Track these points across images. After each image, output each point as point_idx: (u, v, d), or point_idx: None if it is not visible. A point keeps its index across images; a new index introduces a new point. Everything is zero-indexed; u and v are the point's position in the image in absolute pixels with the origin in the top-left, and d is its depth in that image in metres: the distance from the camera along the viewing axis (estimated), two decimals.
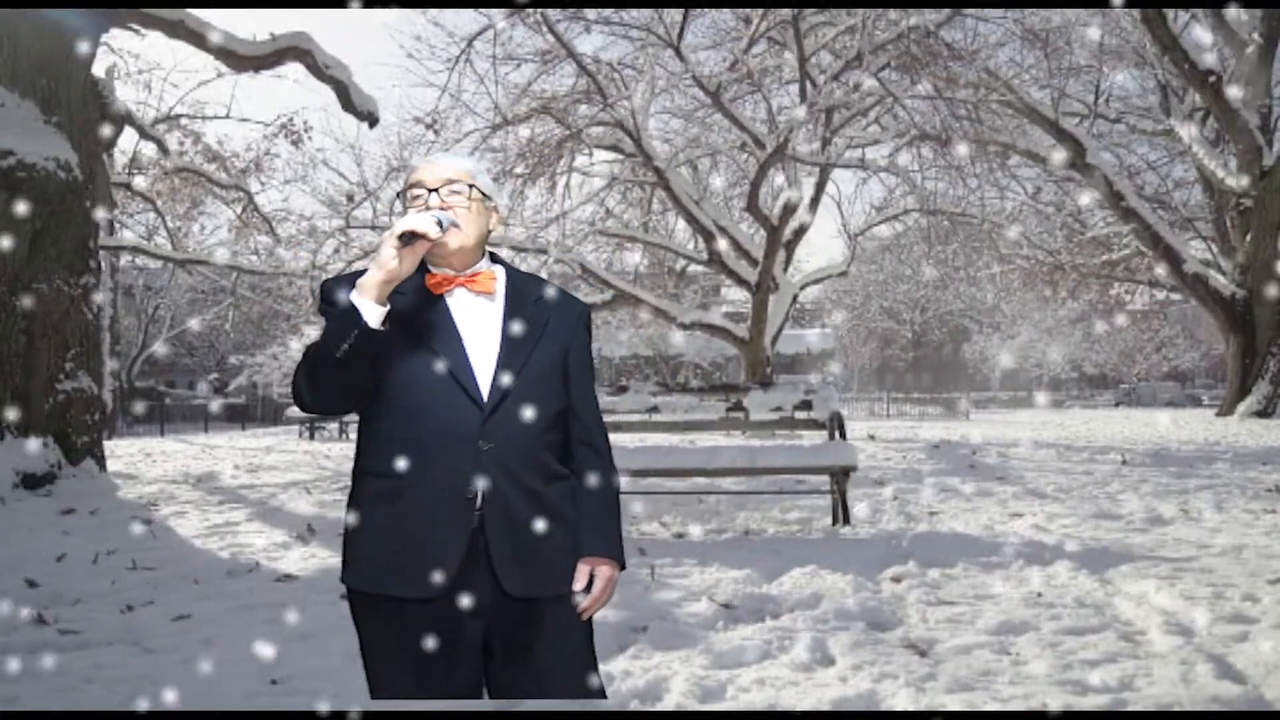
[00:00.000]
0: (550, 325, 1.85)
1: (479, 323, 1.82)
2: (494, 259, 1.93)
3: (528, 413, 1.77)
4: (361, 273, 1.81)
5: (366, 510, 1.77)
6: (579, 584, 1.80)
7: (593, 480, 1.85)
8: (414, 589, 1.71)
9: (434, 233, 1.71)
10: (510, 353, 1.79)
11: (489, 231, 1.89)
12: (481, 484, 1.72)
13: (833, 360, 43.67)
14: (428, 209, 1.80)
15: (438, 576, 1.70)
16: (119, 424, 24.98)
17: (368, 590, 1.76)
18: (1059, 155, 19.91)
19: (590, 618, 1.84)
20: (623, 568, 1.86)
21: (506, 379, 1.76)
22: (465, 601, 1.73)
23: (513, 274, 1.91)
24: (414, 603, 1.72)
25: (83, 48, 9.11)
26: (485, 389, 1.75)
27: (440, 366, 1.76)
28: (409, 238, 1.71)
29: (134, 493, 8.68)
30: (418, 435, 1.73)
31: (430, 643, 1.73)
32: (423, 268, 1.85)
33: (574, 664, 1.80)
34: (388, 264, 1.70)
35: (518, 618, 1.76)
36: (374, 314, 1.70)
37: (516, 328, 1.82)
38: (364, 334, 1.69)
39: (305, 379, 1.75)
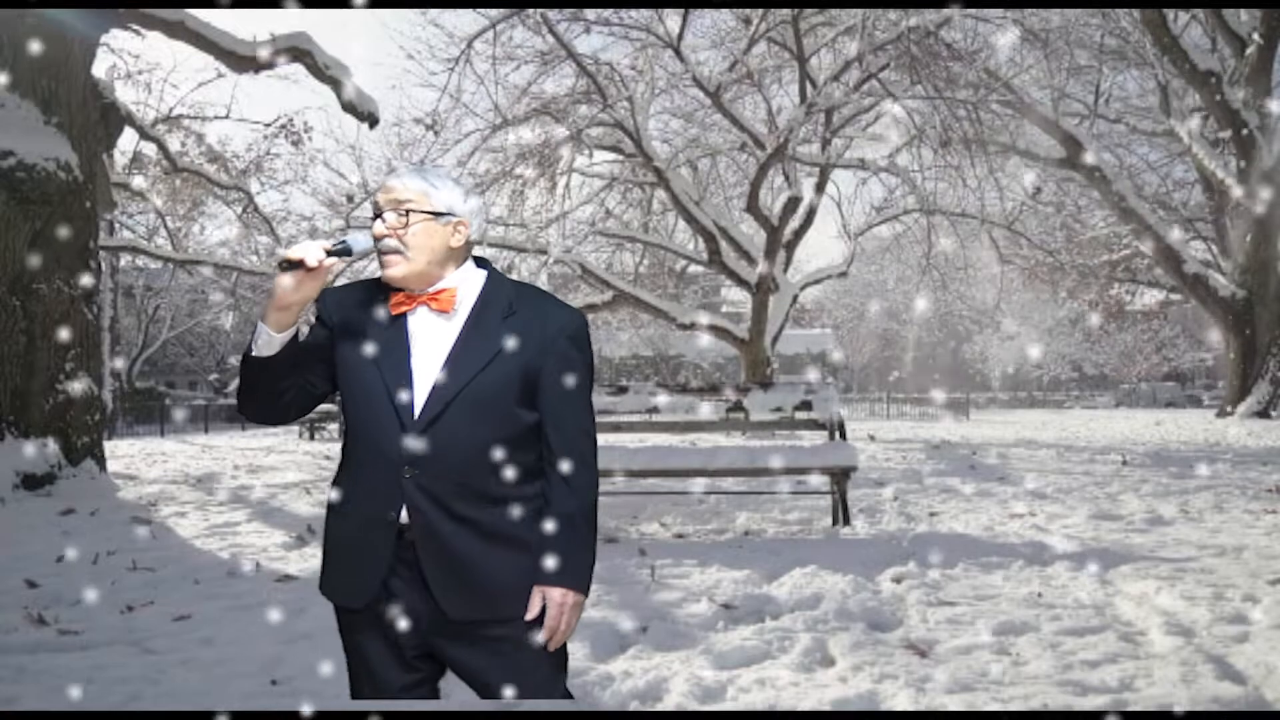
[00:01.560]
0: (514, 342, 1.74)
1: (432, 342, 1.76)
2: (480, 264, 1.86)
3: (465, 435, 1.71)
4: (368, 283, 1.83)
5: (328, 521, 1.83)
6: (530, 612, 1.73)
7: (556, 504, 1.76)
8: (347, 600, 1.77)
9: (311, 261, 1.67)
10: (452, 374, 1.72)
11: (452, 247, 1.79)
12: (403, 509, 1.71)
13: (832, 360, 43.67)
14: (372, 235, 1.78)
15: (362, 594, 1.74)
16: (119, 424, 24.96)
17: (327, 598, 1.83)
18: (1058, 155, 19.92)
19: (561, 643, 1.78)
20: (585, 593, 1.77)
21: (441, 401, 1.71)
22: (403, 622, 1.74)
23: (490, 287, 1.82)
24: (359, 613, 1.76)
25: (83, 49, 9.11)
26: (419, 412, 1.72)
27: (379, 388, 1.73)
28: (287, 266, 1.67)
29: (134, 493, 8.68)
30: (357, 455, 1.77)
31: (377, 654, 1.76)
32: (394, 287, 1.81)
33: (533, 686, 1.75)
34: (276, 291, 1.70)
35: (469, 640, 1.74)
36: (266, 341, 1.72)
37: (467, 347, 1.74)
38: (250, 359, 1.74)
39: (238, 387, 1.81)
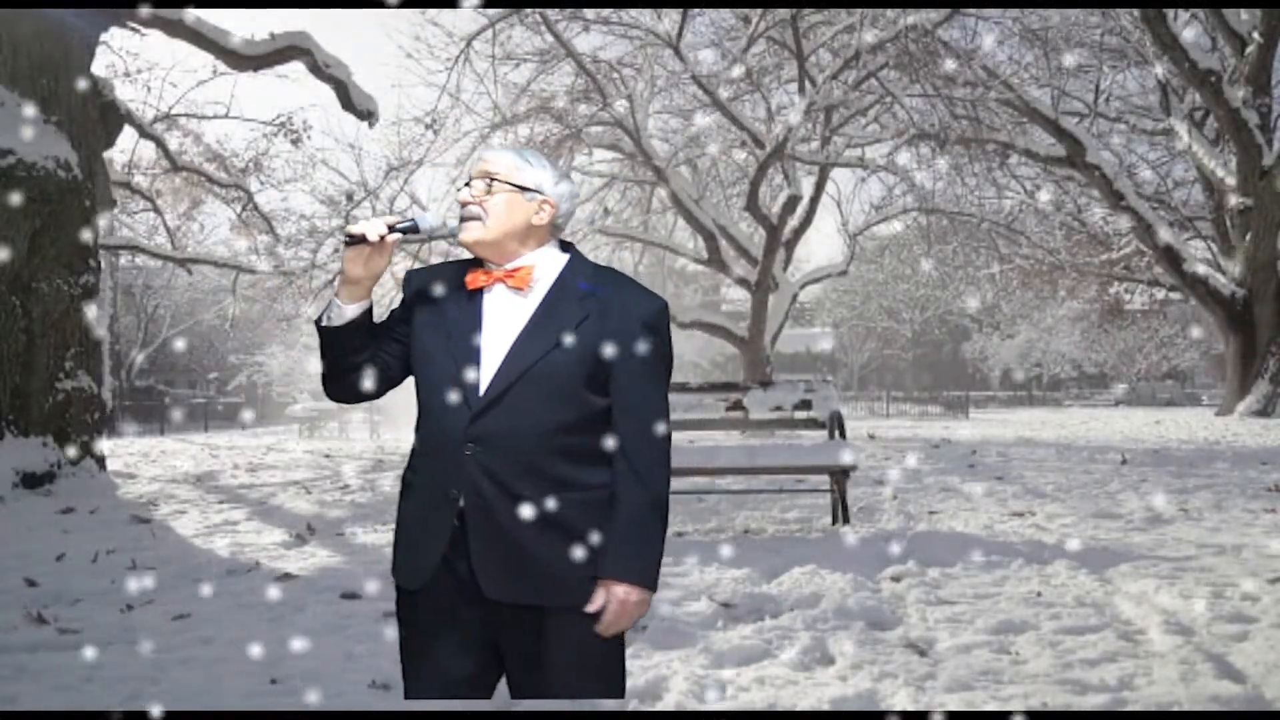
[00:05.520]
0: (588, 323, 1.71)
1: (504, 320, 1.74)
2: (565, 247, 1.84)
3: (528, 416, 1.68)
4: (454, 263, 1.85)
5: (399, 502, 1.84)
6: (592, 606, 1.70)
7: (624, 495, 1.73)
8: (406, 580, 1.77)
9: (372, 235, 1.71)
10: (519, 352, 1.70)
11: (533, 224, 1.78)
12: (463, 487, 1.70)
13: (832, 359, 43.67)
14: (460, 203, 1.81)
15: (421, 574, 1.74)
16: (118, 423, 24.94)
17: (395, 579, 1.83)
18: (1058, 154, 19.90)
19: (617, 635, 1.75)
20: (651, 589, 1.73)
21: (505, 380, 1.69)
22: (457, 600, 1.73)
23: (570, 269, 1.80)
24: (418, 594, 1.76)
25: (82, 47, 9.11)
26: (483, 390, 1.70)
27: (447, 364, 1.73)
28: (350, 240, 1.72)
29: (133, 492, 8.68)
30: (425, 433, 1.77)
31: (437, 641, 1.75)
32: (474, 264, 1.82)
33: (581, 677, 1.73)
34: (344, 266, 1.74)
35: (520, 624, 1.72)
36: (336, 312, 1.76)
37: (538, 326, 1.72)
38: (320, 329, 1.78)
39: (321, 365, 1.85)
